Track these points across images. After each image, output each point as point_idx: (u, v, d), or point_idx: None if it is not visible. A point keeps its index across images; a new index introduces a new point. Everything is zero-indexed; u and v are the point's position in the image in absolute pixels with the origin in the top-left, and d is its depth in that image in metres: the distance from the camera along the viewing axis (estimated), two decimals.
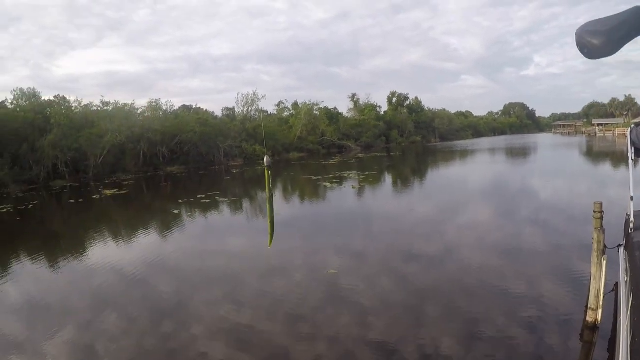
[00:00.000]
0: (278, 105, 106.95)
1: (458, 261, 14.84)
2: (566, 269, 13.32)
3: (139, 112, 69.27)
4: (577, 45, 4.03)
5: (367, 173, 46.80)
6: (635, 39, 4.17)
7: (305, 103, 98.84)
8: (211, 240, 20.74)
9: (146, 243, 20.31)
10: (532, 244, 16.29)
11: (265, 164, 5.92)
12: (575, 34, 4.06)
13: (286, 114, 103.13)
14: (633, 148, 9.28)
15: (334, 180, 39.86)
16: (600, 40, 4.00)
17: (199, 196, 33.08)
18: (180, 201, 31.86)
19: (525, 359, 8.54)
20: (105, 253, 18.72)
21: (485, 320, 10.11)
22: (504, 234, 18.31)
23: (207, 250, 18.59)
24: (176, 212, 27.71)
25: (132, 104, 69.36)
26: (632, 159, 9.37)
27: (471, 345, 9.08)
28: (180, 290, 13.58)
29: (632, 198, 8.91)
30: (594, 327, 9.15)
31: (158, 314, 11.69)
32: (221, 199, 32.20)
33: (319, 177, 43.06)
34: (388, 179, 44.93)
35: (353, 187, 35.16)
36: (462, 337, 9.41)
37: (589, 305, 9.28)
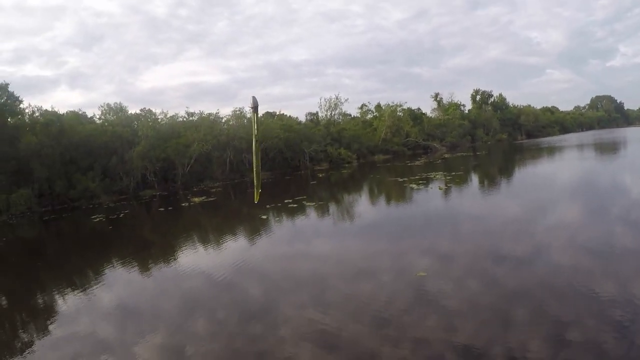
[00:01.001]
0: (361, 108, 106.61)
1: (547, 262, 14.20)
2: None
3: (223, 120, 70.43)
4: None
5: (453, 173, 45.64)
6: None
7: (388, 105, 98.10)
8: (298, 244, 20.56)
9: (234, 248, 20.38)
10: (624, 244, 15.32)
11: (251, 106, 4.80)
12: None
13: (369, 116, 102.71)
14: None
15: (420, 182, 38.97)
16: None
17: (285, 201, 33.00)
18: (267, 206, 31.86)
19: None
20: (194, 258, 18.90)
21: (575, 324, 9.63)
22: (595, 234, 17.26)
23: (294, 253, 18.53)
24: (264, 217, 27.68)
25: (216, 113, 70.76)
26: None
27: (560, 350, 8.67)
28: (267, 293, 13.56)
29: None
30: None
31: (246, 317, 11.70)
32: (308, 203, 32.07)
33: (405, 179, 42.23)
34: (475, 178, 43.71)
35: (440, 188, 34.24)
36: (550, 341, 8.99)
37: None
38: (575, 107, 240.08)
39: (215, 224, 29.67)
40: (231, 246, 20.92)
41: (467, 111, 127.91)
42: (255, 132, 5.00)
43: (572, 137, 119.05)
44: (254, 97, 4.45)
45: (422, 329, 9.97)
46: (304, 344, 9.84)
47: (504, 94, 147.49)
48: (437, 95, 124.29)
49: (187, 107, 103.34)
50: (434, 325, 10.09)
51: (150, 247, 23.39)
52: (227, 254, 19.17)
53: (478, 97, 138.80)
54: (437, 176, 43.25)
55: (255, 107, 4.67)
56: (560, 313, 10.17)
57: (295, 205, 30.85)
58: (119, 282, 16.88)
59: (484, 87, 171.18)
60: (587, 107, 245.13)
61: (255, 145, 5.13)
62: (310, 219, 26.60)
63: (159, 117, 65.26)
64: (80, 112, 62.96)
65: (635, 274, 12.31)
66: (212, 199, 42.30)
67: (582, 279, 12.34)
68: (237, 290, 14.22)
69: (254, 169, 5.21)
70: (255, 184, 5.43)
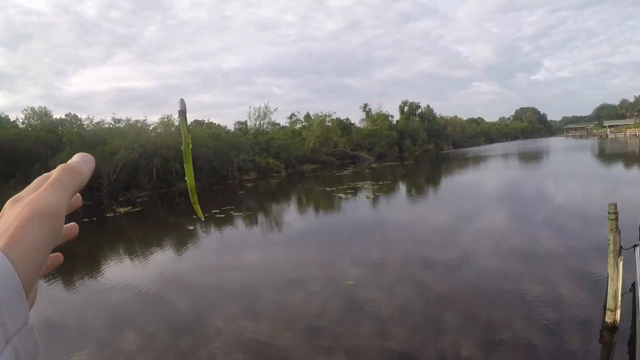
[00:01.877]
0: (290, 117, 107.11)
1: (475, 267, 14.84)
2: (583, 271, 13.36)
3: (151, 128, 69.36)
4: None
5: (380, 183, 46.43)
6: None
7: (318, 115, 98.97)
8: (227, 254, 20.53)
9: (162, 259, 20.18)
10: (549, 248, 16.30)
11: (179, 109, 2.85)
12: None
13: (298, 126, 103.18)
14: None
15: (348, 191, 39.52)
16: None
17: (213, 211, 32.81)
18: (194, 217, 31.57)
19: None
20: (121, 271, 18.63)
21: (505, 326, 10.12)
22: (520, 239, 18.29)
23: (223, 265, 18.50)
24: (191, 227, 27.52)
25: (144, 120, 69.52)
26: None
27: (491, 351, 9.11)
28: (197, 305, 13.52)
29: None
30: (612, 328, 9.17)
31: (176, 330, 11.62)
32: (235, 213, 31.95)
33: (333, 188, 42.73)
34: (402, 187, 44.69)
35: (367, 197, 34.89)
36: (481, 343, 9.41)
37: (607, 306, 9.34)
38: (501, 118, 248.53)
39: (142, 234, 29.27)
40: (159, 258, 20.71)
41: (395, 122, 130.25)
42: (185, 139, 3.62)
43: (497, 147, 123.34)
44: (182, 100, 3.16)
45: (355, 337, 10.21)
46: (236, 355, 9.89)
47: (432, 105, 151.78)
48: (365, 105, 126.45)
49: (113, 113, 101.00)
50: (366, 333, 10.33)
51: (74, 259, 22.84)
52: (155, 266, 18.96)
53: (406, 108, 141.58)
54: (365, 185, 43.99)
55: (182, 111, 3.30)
56: (490, 316, 10.70)
57: (222, 216, 30.71)
58: (41, 297, 16.44)
59: (412, 99, 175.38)
60: (512, 118, 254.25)
61: (185, 152, 3.73)
62: (238, 230, 26.57)
63: (85, 122, 63.76)
64: (2, 116, 60.82)
65: (559, 275, 13.14)
66: (138, 208, 41.61)
67: (509, 282, 13.07)
68: (166, 302, 14.10)
69: (187, 181, 4.01)
70: (192, 199, 3.99)
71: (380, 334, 10.23)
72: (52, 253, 0.76)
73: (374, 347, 9.66)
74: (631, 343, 8.61)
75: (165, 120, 71.00)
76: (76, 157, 0.80)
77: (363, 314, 11.46)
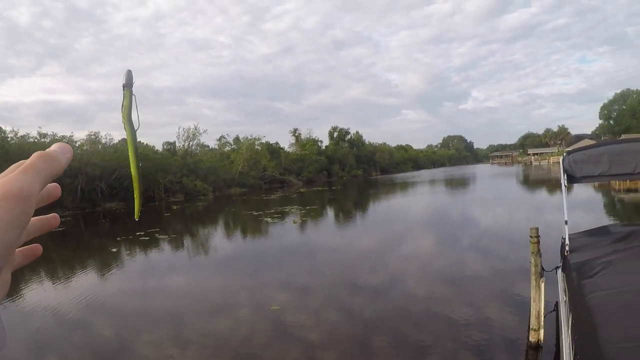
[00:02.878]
0: (219, 139, 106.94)
1: (403, 291, 15.23)
2: (509, 293, 13.88)
3: (77, 145, 67.92)
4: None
5: (308, 207, 47.02)
6: None
7: (247, 138, 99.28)
8: (152, 278, 20.38)
9: (84, 283, 19.83)
10: (475, 271, 16.93)
11: (124, 83, 1.25)
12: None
13: (227, 148, 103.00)
14: (566, 175, 9.81)
15: (276, 215, 39.85)
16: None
17: (137, 233, 32.49)
18: (118, 239, 31.27)
19: None
20: (40, 295, 18.20)
21: (434, 347, 10.39)
22: (447, 262, 18.88)
23: (148, 289, 18.34)
24: (114, 250, 27.22)
25: (70, 136, 68.29)
26: (565, 185, 9.90)
27: None
28: (121, 332, 13.29)
29: (566, 222, 9.38)
30: (537, 347, 9.58)
31: (98, 359, 11.41)
32: (161, 236, 31.77)
33: (261, 212, 42.96)
34: (330, 212, 45.36)
35: (294, 222, 35.25)
36: None
37: (531, 326, 9.73)
38: (428, 145, 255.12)
39: (64, 257, 28.67)
40: (81, 281, 20.34)
41: (324, 147, 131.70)
42: (126, 121, 1.26)
43: (425, 174, 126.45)
44: (128, 72, 1.30)
45: None
46: None
47: (361, 132, 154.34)
48: (295, 130, 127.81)
49: (39, 127, 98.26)
50: (295, 359, 10.47)
51: None
52: (77, 290, 18.62)
53: (336, 134, 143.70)
54: (293, 210, 44.42)
55: (128, 85, 1.33)
56: (419, 338, 11.00)
57: (147, 238, 30.48)
58: None
59: (342, 124, 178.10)
60: (439, 145, 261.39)
61: (128, 137, 1.27)
62: (164, 253, 26.43)
63: (9, 135, 61.74)
64: None
65: (486, 297, 13.65)
66: (61, 229, 40.67)
67: (438, 305, 13.39)
68: (89, 328, 13.84)
69: (133, 176, 1.59)
70: (135, 195, 1.56)
71: (308, 359, 10.42)
72: (30, 244, 0.81)
73: None
74: None
75: (93, 137, 69.83)
76: (54, 146, 0.82)
77: (291, 339, 11.55)
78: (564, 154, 10.14)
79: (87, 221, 47.60)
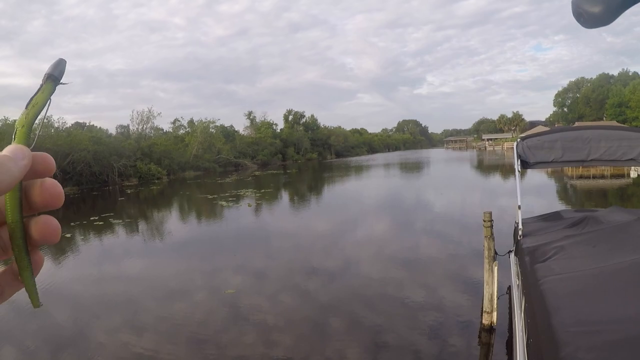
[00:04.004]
0: (174, 122, 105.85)
1: (358, 274, 15.38)
2: (463, 276, 14.23)
3: None
4: (573, 14, 4.23)
5: (263, 191, 47.16)
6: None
7: (202, 121, 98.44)
8: (107, 264, 20.27)
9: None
10: (429, 254, 17.25)
11: (48, 72, 0.76)
12: (571, 2, 4.32)
13: (182, 131, 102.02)
14: (519, 160, 10.02)
15: (230, 199, 39.85)
16: (599, 8, 4.25)
17: (92, 218, 32.24)
18: (72, 224, 30.88)
19: None
20: None
21: (389, 330, 10.56)
22: (401, 246, 19.21)
23: (103, 275, 18.22)
24: (68, 235, 26.90)
25: None
26: (518, 171, 10.11)
27: (377, 355, 9.48)
28: (77, 318, 13.21)
29: (519, 207, 9.54)
30: (490, 329, 9.85)
31: (56, 345, 11.35)
32: (115, 221, 31.54)
33: (215, 196, 42.87)
34: (285, 195, 45.58)
35: (249, 205, 35.39)
36: (367, 348, 9.77)
37: (485, 309, 10.02)
38: (383, 129, 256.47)
39: None
40: None
41: (279, 130, 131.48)
42: (28, 130, 0.77)
43: (379, 157, 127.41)
44: (60, 60, 0.80)
45: (240, 346, 10.30)
46: None
47: (316, 115, 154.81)
48: (250, 113, 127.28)
49: None
50: (251, 342, 10.46)
51: None
52: None
53: (290, 117, 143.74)
54: (248, 193, 44.49)
55: (53, 77, 0.77)
56: (375, 321, 11.15)
57: (101, 223, 30.21)
58: None
59: (297, 108, 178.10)
60: (394, 129, 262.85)
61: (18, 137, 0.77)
62: (118, 238, 26.24)
63: None
64: None
65: (440, 281, 14.00)
66: None
67: (393, 288, 13.61)
68: (44, 316, 13.57)
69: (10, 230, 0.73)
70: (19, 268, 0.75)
71: (265, 342, 10.39)
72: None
73: (259, 355, 9.82)
74: (508, 343, 9.23)
75: (45, 121, 68.24)
76: (6, 150, 0.64)
77: (247, 323, 11.58)
78: (518, 140, 10.35)
79: None
